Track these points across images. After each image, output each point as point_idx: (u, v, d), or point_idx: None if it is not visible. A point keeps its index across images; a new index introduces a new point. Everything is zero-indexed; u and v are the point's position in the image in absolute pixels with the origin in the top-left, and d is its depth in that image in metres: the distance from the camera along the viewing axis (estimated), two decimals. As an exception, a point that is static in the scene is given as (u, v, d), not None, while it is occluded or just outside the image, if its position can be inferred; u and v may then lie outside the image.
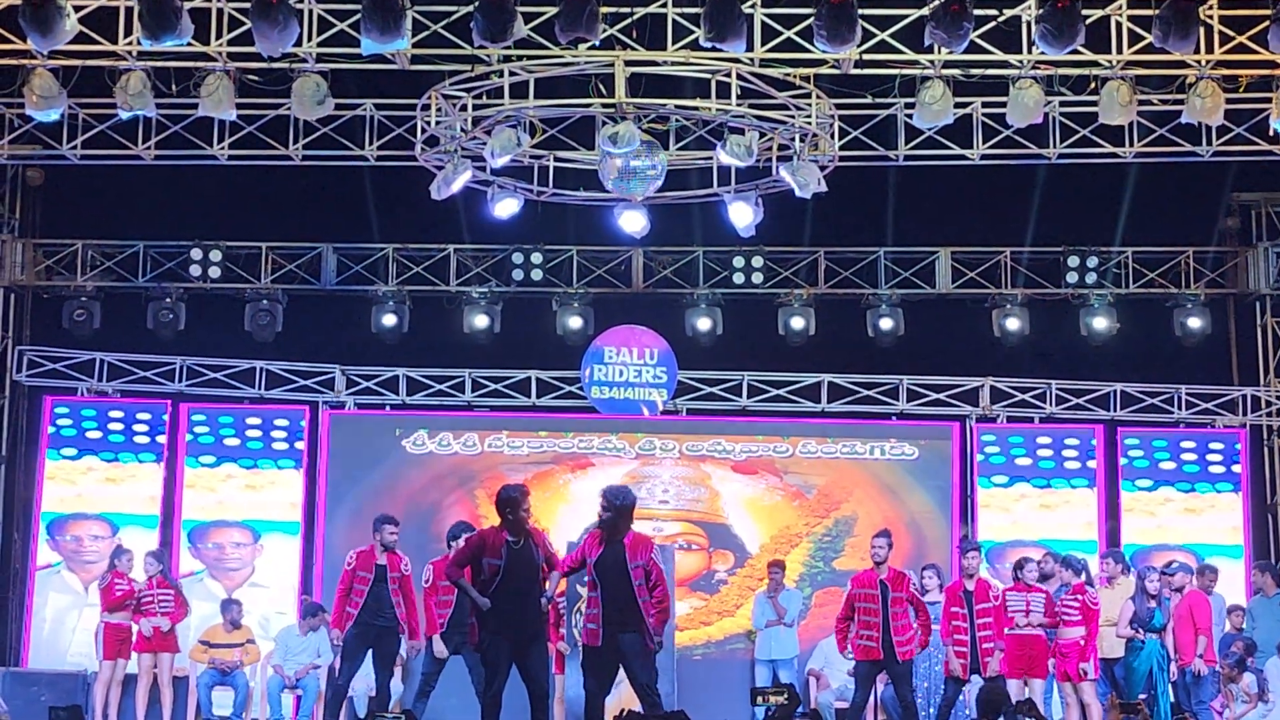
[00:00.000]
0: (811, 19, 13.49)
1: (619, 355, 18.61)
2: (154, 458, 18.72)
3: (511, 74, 14.27)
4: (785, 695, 13.40)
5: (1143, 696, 14.48)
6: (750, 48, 13.98)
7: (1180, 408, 19.08)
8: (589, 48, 13.87)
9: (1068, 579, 14.53)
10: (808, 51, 14.19)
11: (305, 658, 16.30)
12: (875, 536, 13.77)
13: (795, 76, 14.62)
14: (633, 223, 15.65)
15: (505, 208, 15.61)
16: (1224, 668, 14.82)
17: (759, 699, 13.72)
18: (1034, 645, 14.21)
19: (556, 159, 15.99)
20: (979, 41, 14.12)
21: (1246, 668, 14.77)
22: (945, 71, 14.79)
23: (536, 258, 19.26)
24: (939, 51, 14.28)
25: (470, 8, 13.41)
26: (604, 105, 14.21)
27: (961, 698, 14.21)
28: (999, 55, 14.54)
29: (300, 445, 18.82)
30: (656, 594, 11.42)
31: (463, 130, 14.84)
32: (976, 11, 13.50)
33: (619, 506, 11.44)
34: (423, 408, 19.11)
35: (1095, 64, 14.69)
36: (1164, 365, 19.42)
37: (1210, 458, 18.96)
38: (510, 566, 11.28)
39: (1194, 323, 19.38)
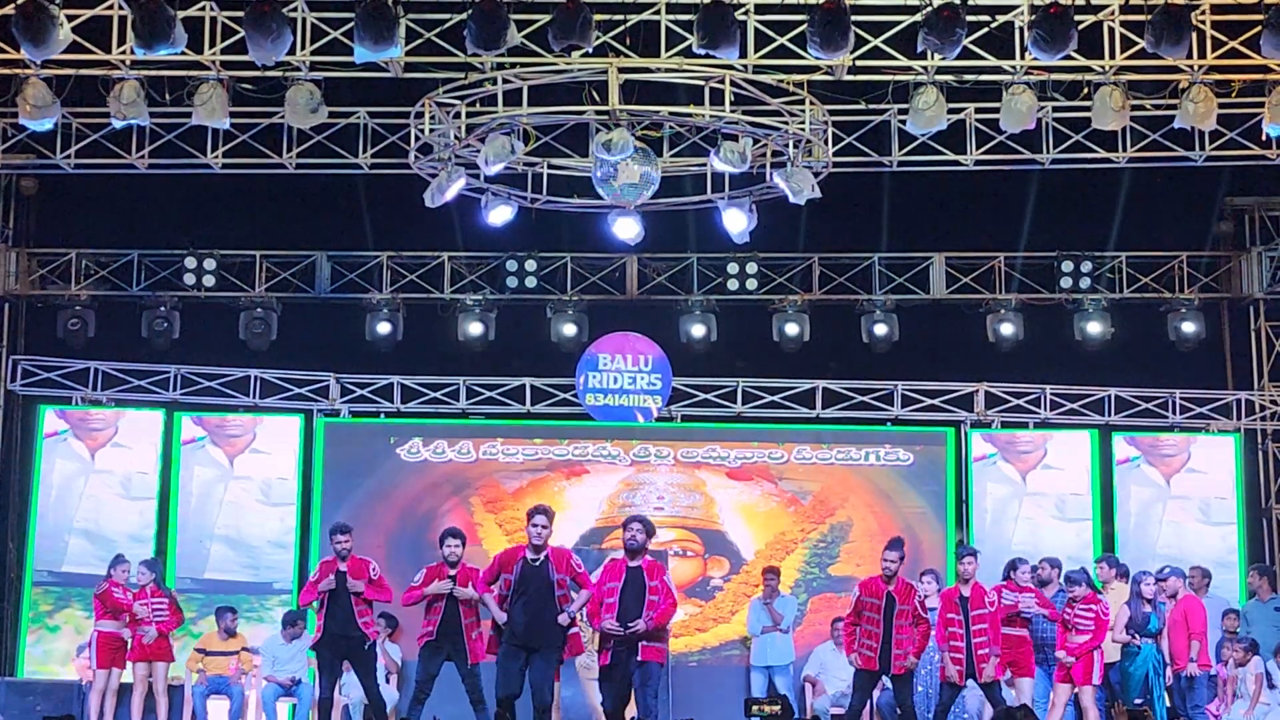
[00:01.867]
0: (805, 25, 13.52)
1: (613, 362, 18.61)
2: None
3: (505, 81, 14.27)
4: (779, 706, 13.47)
5: (1138, 701, 14.48)
6: (744, 54, 14.00)
7: (1174, 412, 19.08)
8: (582, 55, 13.88)
9: (1074, 592, 14.51)
10: (801, 58, 14.20)
11: (294, 665, 16.28)
12: (887, 549, 13.67)
13: (789, 83, 14.62)
14: (626, 230, 15.65)
15: (499, 215, 15.62)
16: (1235, 651, 14.84)
17: (753, 709, 13.79)
18: (1020, 644, 14.23)
19: (550, 166, 16.00)
20: (972, 47, 14.15)
21: (1257, 651, 14.86)
22: (938, 77, 14.82)
23: (531, 265, 19.27)
24: (932, 57, 14.31)
25: (464, 15, 13.42)
26: (598, 112, 14.21)
27: (960, 700, 14.25)
28: (992, 61, 14.57)
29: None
30: (665, 606, 12.58)
31: (456, 138, 14.83)
32: (969, 18, 13.52)
33: (651, 530, 12.76)
34: (417, 415, 19.08)
35: (1088, 69, 14.72)
36: (1158, 370, 19.42)
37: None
38: (522, 582, 12.39)
39: (1188, 327, 19.41)
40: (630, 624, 12.42)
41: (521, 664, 12.26)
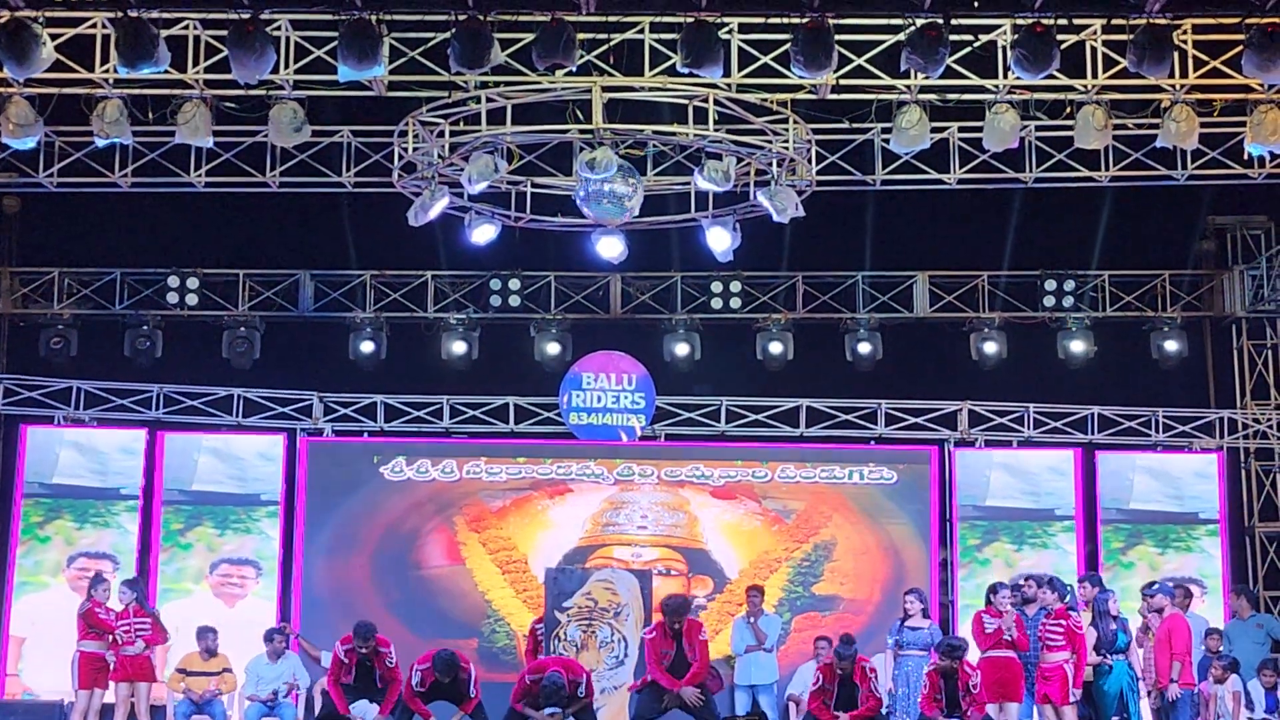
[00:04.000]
0: (788, 44, 13.52)
1: (597, 381, 18.59)
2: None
3: (489, 100, 14.28)
4: (758, 725, 13.53)
5: (1115, 719, 14.48)
6: (727, 73, 14.01)
7: (1157, 431, 19.11)
8: (566, 74, 13.89)
9: (1049, 602, 14.50)
10: (785, 77, 14.23)
11: (277, 683, 16.21)
12: (838, 645, 13.99)
13: (772, 102, 14.64)
14: (610, 248, 15.64)
15: (483, 234, 15.61)
16: (1215, 669, 14.88)
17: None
18: (1007, 668, 14.16)
19: (534, 185, 16.00)
20: (955, 67, 14.17)
21: (1238, 670, 14.89)
22: (922, 96, 14.85)
23: (514, 284, 19.27)
24: (915, 76, 14.34)
25: (447, 34, 13.41)
26: (581, 131, 14.22)
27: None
28: (975, 80, 14.59)
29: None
30: (698, 667, 13.61)
31: (440, 157, 14.83)
32: (953, 37, 13.54)
33: (681, 612, 13.71)
34: (401, 434, 19.06)
35: (1071, 89, 14.76)
36: (1141, 388, 19.46)
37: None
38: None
39: (1171, 346, 19.46)
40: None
41: None
